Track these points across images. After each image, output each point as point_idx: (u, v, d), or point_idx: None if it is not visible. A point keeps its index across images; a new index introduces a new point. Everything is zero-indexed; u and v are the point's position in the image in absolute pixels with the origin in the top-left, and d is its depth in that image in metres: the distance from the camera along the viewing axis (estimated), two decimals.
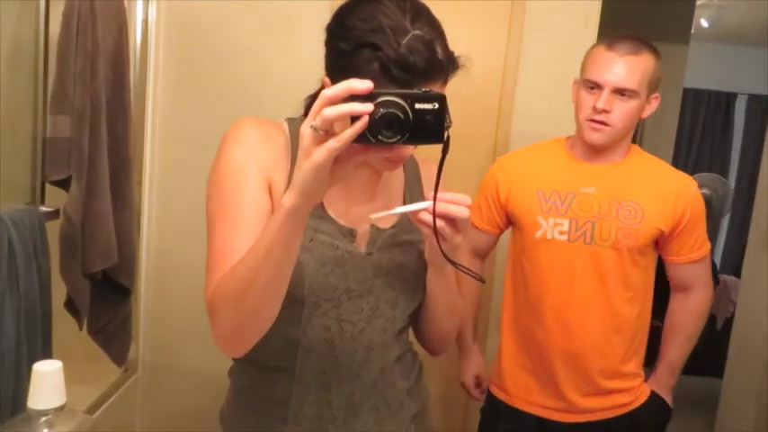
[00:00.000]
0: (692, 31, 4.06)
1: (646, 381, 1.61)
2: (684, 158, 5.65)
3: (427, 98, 0.71)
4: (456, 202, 0.85)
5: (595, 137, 1.47)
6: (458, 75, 0.88)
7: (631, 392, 1.56)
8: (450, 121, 0.73)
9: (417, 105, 0.70)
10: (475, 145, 2.07)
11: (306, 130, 0.70)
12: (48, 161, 1.45)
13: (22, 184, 1.50)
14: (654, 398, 1.58)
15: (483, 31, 2.08)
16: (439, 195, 0.83)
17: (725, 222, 5.75)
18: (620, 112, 1.45)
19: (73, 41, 1.42)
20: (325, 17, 0.91)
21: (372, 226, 0.99)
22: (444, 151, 0.77)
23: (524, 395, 1.59)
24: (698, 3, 3.97)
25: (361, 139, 0.69)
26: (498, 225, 1.65)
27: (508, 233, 1.68)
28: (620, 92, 1.44)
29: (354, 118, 0.68)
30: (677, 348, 1.62)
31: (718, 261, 5.58)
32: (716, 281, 4.18)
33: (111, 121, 1.58)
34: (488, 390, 1.70)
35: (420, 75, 0.81)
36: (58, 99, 1.42)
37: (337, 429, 0.99)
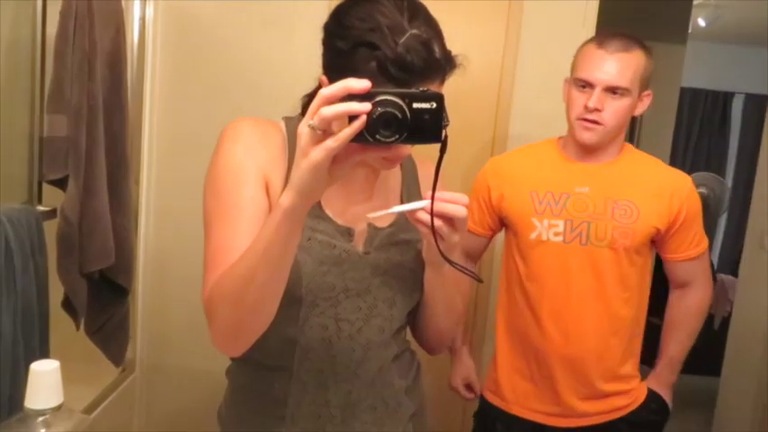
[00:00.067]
0: (690, 31, 4.06)
1: (646, 378, 1.61)
2: (682, 158, 5.66)
3: (425, 97, 0.71)
4: (453, 201, 0.85)
5: (587, 136, 1.45)
6: (455, 74, 0.88)
7: (629, 395, 1.55)
8: (448, 121, 0.73)
9: (415, 105, 0.70)
10: (472, 144, 2.07)
11: (303, 129, 0.70)
12: (45, 160, 1.45)
13: (19, 183, 1.49)
14: (652, 397, 1.57)
15: (481, 30, 2.08)
16: (436, 194, 0.83)
17: (722, 221, 5.76)
18: (613, 111, 1.43)
19: (70, 40, 1.41)
20: (323, 16, 0.91)
21: (370, 225, 0.99)
22: (442, 150, 0.77)
23: (521, 401, 1.56)
24: (695, 2, 3.97)
25: (358, 138, 0.69)
26: (490, 227, 1.62)
27: (502, 235, 1.66)
28: (612, 90, 1.42)
29: (352, 117, 0.68)
30: (678, 345, 1.61)
31: (715, 260, 5.58)
32: (713, 280, 4.18)
33: (108, 121, 1.57)
34: (482, 395, 1.67)
35: (417, 74, 0.81)
36: (55, 98, 1.42)
37: (335, 429, 0.99)
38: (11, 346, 1.24)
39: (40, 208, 1.48)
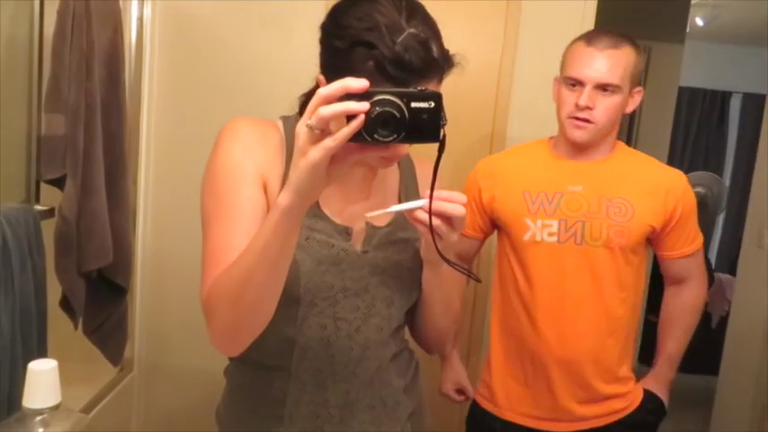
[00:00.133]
0: (688, 30, 4.07)
1: (643, 378, 1.60)
2: (680, 157, 5.67)
3: (423, 97, 0.71)
4: (452, 200, 0.85)
5: (579, 134, 1.43)
6: (453, 73, 0.88)
7: (626, 398, 1.53)
8: (446, 120, 0.73)
9: (413, 104, 0.70)
10: (471, 143, 2.08)
11: (301, 129, 0.70)
12: (42, 160, 1.45)
13: (17, 182, 1.49)
14: (648, 398, 1.56)
15: (479, 30, 2.08)
16: (435, 193, 0.83)
17: (720, 221, 5.77)
18: (604, 108, 1.41)
19: (68, 40, 1.41)
20: (321, 15, 0.91)
21: (368, 224, 0.99)
22: (440, 150, 0.77)
23: (516, 406, 1.53)
24: (693, 2, 3.97)
25: (357, 137, 0.69)
26: (482, 229, 1.59)
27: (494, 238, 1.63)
28: (603, 87, 1.40)
29: (350, 117, 0.68)
30: (676, 342, 1.60)
31: (713, 259, 5.59)
32: (711, 279, 4.20)
33: (106, 120, 1.57)
34: (474, 400, 1.64)
35: (415, 73, 0.81)
36: (52, 97, 1.42)
37: (333, 428, 0.99)
38: (9, 345, 1.24)
39: (38, 207, 1.47)
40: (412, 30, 0.82)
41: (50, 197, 1.50)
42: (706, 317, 4.11)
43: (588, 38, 1.44)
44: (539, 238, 1.46)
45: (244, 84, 2.03)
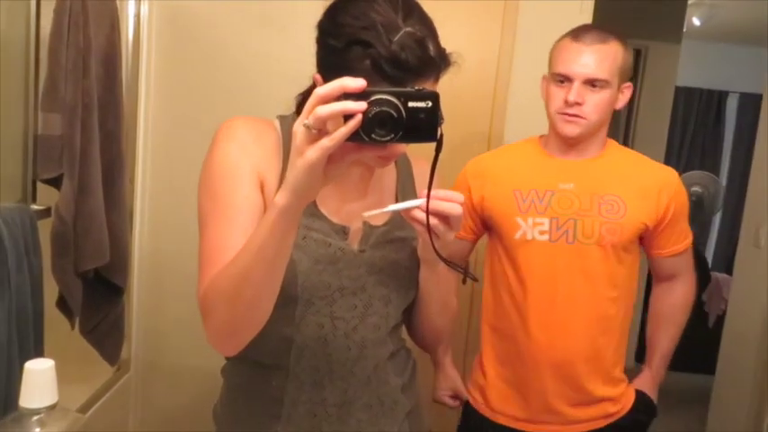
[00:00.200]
0: (684, 30, 4.08)
1: (637, 377, 1.58)
2: (676, 156, 5.68)
3: (420, 96, 0.71)
4: (449, 200, 0.85)
5: (570, 129, 1.41)
6: (450, 72, 0.88)
7: (619, 401, 1.51)
8: (443, 119, 0.73)
9: (411, 104, 0.70)
10: (468, 143, 2.07)
11: (298, 128, 0.70)
12: (39, 159, 1.44)
13: (13, 182, 1.49)
14: (640, 399, 1.54)
15: (476, 30, 2.08)
16: (432, 192, 0.84)
17: (716, 220, 5.79)
18: (593, 104, 1.40)
19: (64, 38, 1.41)
20: (318, 14, 0.91)
21: (365, 223, 0.99)
22: (438, 149, 0.77)
23: (508, 409, 1.51)
24: (690, 1, 3.99)
25: (354, 137, 0.69)
26: (473, 230, 1.57)
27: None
28: (591, 83, 1.39)
29: (347, 116, 0.68)
30: (670, 340, 1.59)
31: (709, 258, 5.61)
32: (708, 278, 4.21)
33: (103, 119, 1.57)
34: (467, 402, 1.61)
35: (412, 72, 0.81)
36: (49, 96, 1.41)
37: (331, 427, 0.99)
38: (5, 345, 1.24)
39: (35, 207, 1.47)
40: (408, 28, 0.82)
41: (47, 197, 1.49)
42: (703, 316, 4.12)
43: (575, 34, 1.43)
44: (530, 237, 1.44)
45: (241, 83, 2.03)
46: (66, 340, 1.58)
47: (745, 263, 2.67)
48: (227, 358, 1.06)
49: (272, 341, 0.96)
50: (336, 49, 0.84)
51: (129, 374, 2.07)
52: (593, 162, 1.48)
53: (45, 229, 1.43)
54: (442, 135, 0.73)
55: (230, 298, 0.82)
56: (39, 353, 1.36)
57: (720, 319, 3.44)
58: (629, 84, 1.46)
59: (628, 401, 1.53)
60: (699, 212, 5.10)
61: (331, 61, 0.86)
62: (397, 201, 1.04)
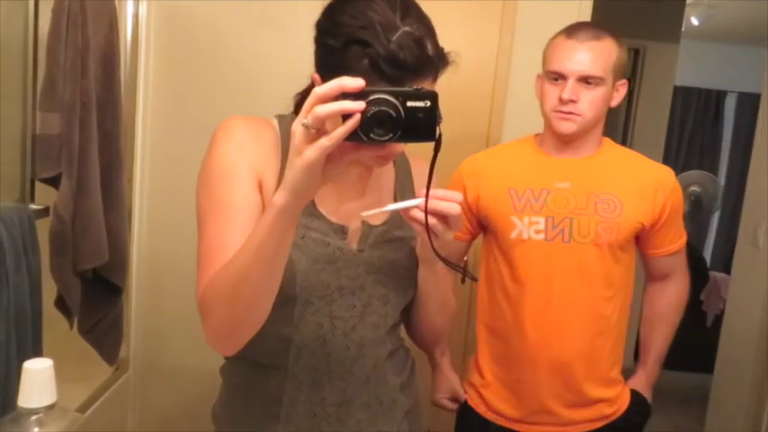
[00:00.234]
0: (683, 30, 4.08)
1: (632, 377, 1.58)
2: (675, 156, 5.69)
3: (419, 96, 0.71)
4: (447, 199, 0.85)
5: (566, 126, 1.40)
6: (448, 71, 0.88)
7: (615, 402, 1.50)
8: (441, 118, 0.73)
9: (409, 103, 0.70)
10: (466, 143, 2.07)
11: (297, 128, 0.70)
12: (37, 158, 1.44)
13: (12, 181, 1.48)
14: (635, 399, 1.53)
15: (475, 30, 2.08)
16: (430, 192, 0.84)
17: (714, 219, 5.80)
18: (588, 101, 1.38)
19: (62, 38, 1.41)
20: (316, 14, 0.91)
21: (364, 223, 0.99)
22: (436, 148, 0.77)
23: (504, 410, 1.50)
24: (688, 1, 3.99)
25: (352, 137, 0.69)
26: (468, 230, 1.55)
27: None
28: (586, 80, 1.37)
29: (346, 116, 0.68)
30: (665, 340, 1.58)
31: (707, 258, 5.62)
32: (706, 278, 4.21)
33: (101, 118, 1.57)
34: (465, 402, 1.58)
35: (410, 71, 0.81)
36: (47, 96, 1.41)
37: (330, 427, 1.00)
38: (4, 344, 1.23)
39: (33, 206, 1.47)
40: (406, 28, 0.82)
41: (45, 196, 1.49)
42: (701, 315, 4.13)
43: (569, 31, 1.42)
44: (525, 236, 1.43)
45: (239, 82, 2.03)
46: (64, 340, 1.58)
47: (744, 262, 2.67)
48: (226, 358, 1.06)
49: (271, 341, 0.96)
50: (335, 48, 0.84)
51: (127, 374, 2.07)
52: (590, 160, 1.47)
53: (43, 228, 1.43)
54: (440, 134, 0.73)
55: (229, 297, 0.82)
56: (37, 352, 1.36)
57: (719, 319, 3.45)
58: (623, 81, 1.45)
59: (623, 403, 1.52)
60: (697, 212, 5.11)
61: (329, 61, 0.87)
62: (395, 200, 1.05)
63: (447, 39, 0.89)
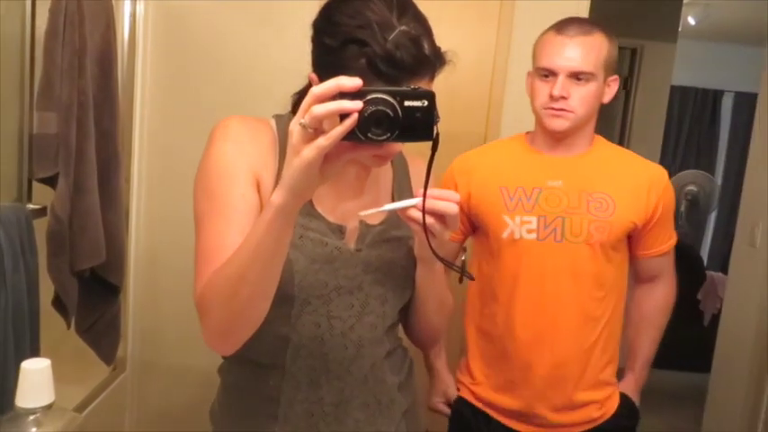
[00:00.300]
0: (680, 29, 4.09)
1: (622, 379, 1.55)
2: (672, 155, 5.70)
3: (416, 95, 0.71)
4: (445, 199, 0.85)
5: (557, 123, 1.38)
6: (445, 70, 0.88)
7: (604, 404, 1.48)
8: (439, 117, 0.73)
9: (407, 103, 0.70)
10: (464, 142, 2.07)
11: (295, 127, 0.70)
12: (34, 158, 1.44)
13: (9, 181, 1.48)
14: (624, 403, 1.51)
15: (472, 30, 2.09)
16: (428, 192, 0.84)
17: (712, 219, 5.81)
18: (579, 97, 1.36)
19: (60, 37, 1.40)
20: (313, 13, 0.91)
21: (361, 222, 0.99)
22: (434, 148, 0.77)
23: (495, 402, 1.48)
24: (685, 1, 4.00)
25: (350, 136, 0.69)
26: (460, 229, 1.52)
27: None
28: (576, 76, 1.35)
29: (343, 115, 0.68)
30: (652, 343, 1.56)
31: (704, 257, 5.63)
32: (703, 277, 4.22)
33: (98, 118, 1.57)
34: (459, 396, 1.56)
35: (407, 70, 0.81)
36: (44, 95, 1.41)
37: (328, 426, 1.00)
38: (1, 344, 1.23)
39: (30, 206, 1.47)
40: (403, 27, 0.82)
41: (42, 196, 1.49)
42: (698, 315, 4.14)
43: (558, 27, 1.40)
44: (517, 236, 1.41)
45: (237, 82, 2.03)
46: (62, 339, 1.58)
47: (741, 262, 2.68)
48: (224, 358, 1.06)
49: (269, 340, 0.96)
50: (332, 48, 0.85)
51: (125, 374, 2.07)
52: (582, 158, 1.45)
53: (41, 228, 1.42)
54: (438, 134, 0.73)
55: (227, 297, 0.82)
56: (35, 352, 1.36)
57: (716, 318, 3.45)
58: (615, 77, 1.43)
59: (612, 406, 1.50)
60: (694, 211, 5.12)
61: (326, 60, 0.87)
62: (393, 200, 1.05)
63: (444, 38, 0.89)
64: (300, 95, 1.00)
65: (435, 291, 1.04)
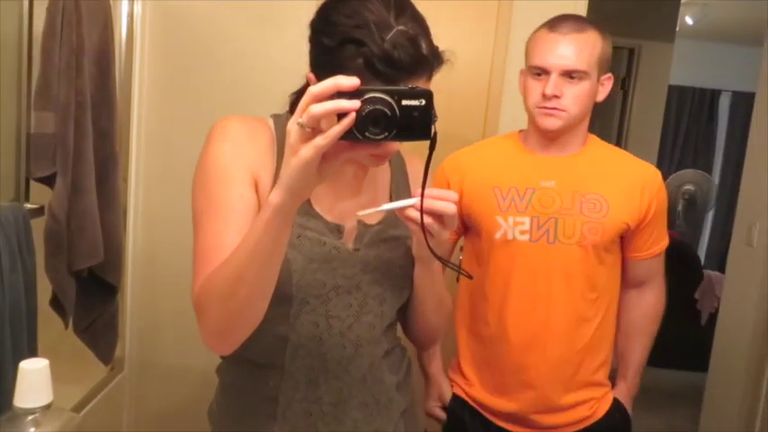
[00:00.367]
0: (677, 29, 4.10)
1: (615, 387, 1.53)
2: (669, 155, 5.71)
3: (414, 95, 0.71)
4: (443, 198, 0.85)
5: (550, 122, 1.36)
6: (443, 70, 0.89)
7: (596, 404, 1.46)
8: (437, 117, 0.73)
9: (404, 102, 0.70)
10: (462, 142, 2.08)
11: (292, 127, 0.70)
12: (32, 158, 1.44)
13: (7, 180, 1.48)
14: (616, 407, 1.49)
15: (470, 30, 2.09)
16: (426, 191, 0.84)
17: (709, 218, 5.82)
18: (572, 96, 1.34)
19: (57, 37, 1.40)
20: (311, 13, 0.91)
21: (359, 222, 0.99)
22: (432, 147, 0.77)
23: (488, 404, 1.47)
24: (683, 1, 4.01)
25: (348, 135, 0.69)
26: (454, 230, 1.53)
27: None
28: (569, 74, 1.33)
29: (341, 115, 0.68)
30: (643, 349, 1.53)
31: (702, 256, 5.63)
32: (700, 276, 4.23)
33: (96, 117, 1.57)
34: (454, 395, 1.54)
35: (405, 70, 0.82)
36: (42, 95, 1.41)
37: (327, 426, 1.00)
38: None
39: (28, 206, 1.47)
40: (401, 27, 0.82)
41: (40, 195, 1.49)
42: (695, 314, 4.14)
43: (551, 24, 1.37)
44: (510, 237, 1.39)
45: (235, 81, 2.03)
46: (59, 339, 1.58)
47: (738, 261, 2.68)
48: (222, 357, 1.06)
49: (267, 340, 0.96)
50: (329, 47, 0.85)
51: (123, 374, 2.07)
52: (575, 158, 1.43)
53: (38, 227, 1.42)
54: (435, 133, 0.73)
55: (225, 297, 0.82)
56: (32, 352, 1.36)
57: (713, 317, 3.46)
58: (609, 75, 1.40)
59: (604, 407, 1.48)
60: (691, 211, 5.13)
61: (324, 60, 0.87)
62: (391, 199, 1.05)
63: (442, 37, 0.89)
64: (298, 95, 1.00)
65: (434, 290, 1.04)
